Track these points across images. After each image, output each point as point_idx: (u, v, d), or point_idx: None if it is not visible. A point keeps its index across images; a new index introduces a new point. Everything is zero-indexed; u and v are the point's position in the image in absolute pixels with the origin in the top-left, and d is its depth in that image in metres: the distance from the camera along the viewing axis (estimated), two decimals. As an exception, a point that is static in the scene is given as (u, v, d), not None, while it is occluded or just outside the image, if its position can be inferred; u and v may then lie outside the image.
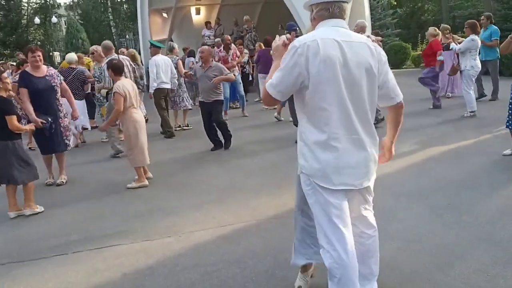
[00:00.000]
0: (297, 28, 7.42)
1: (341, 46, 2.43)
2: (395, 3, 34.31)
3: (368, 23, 17.86)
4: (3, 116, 4.86)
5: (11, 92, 5.72)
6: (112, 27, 38.11)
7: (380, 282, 3.14)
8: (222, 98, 7.66)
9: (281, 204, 4.80)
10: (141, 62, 11.13)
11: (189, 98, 10.04)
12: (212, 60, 7.64)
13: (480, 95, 9.92)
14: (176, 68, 9.43)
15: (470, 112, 8.54)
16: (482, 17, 10.02)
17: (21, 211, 5.12)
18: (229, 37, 11.31)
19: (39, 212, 5.15)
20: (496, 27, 9.72)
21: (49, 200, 5.61)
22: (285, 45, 2.65)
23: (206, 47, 8.06)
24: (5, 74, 5.11)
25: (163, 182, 6.00)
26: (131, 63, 8.53)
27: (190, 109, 9.92)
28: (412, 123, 8.40)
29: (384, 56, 2.58)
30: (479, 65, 8.59)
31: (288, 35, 2.86)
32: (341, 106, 2.46)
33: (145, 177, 5.87)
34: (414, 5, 34.32)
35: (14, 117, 4.92)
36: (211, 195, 5.33)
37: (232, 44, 11.41)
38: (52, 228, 4.71)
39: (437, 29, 10.04)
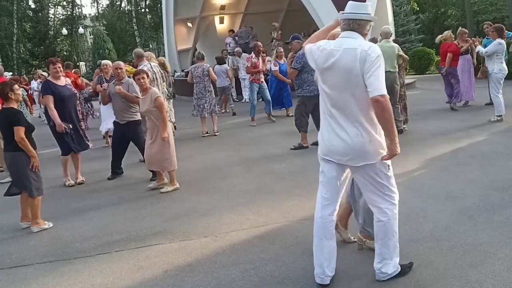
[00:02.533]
0: (301, 40, 7.56)
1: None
2: (418, 8, 34.20)
3: (392, 29, 17.94)
4: (13, 127, 4.83)
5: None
6: (136, 37, 38.84)
7: (415, 279, 3.27)
8: (136, 118, 6.74)
9: (312, 206, 4.85)
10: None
11: (216, 104, 10.28)
12: (125, 76, 6.80)
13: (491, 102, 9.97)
14: (208, 75, 9.87)
15: (497, 116, 8.55)
16: (485, 25, 10.03)
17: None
18: (261, 44, 11.52)
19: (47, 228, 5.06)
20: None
21: (88, 202, 5.86)
22: None
23: (121, 62, 7.19)
24: (16, 86, 5.09)
25: (195, 186, 6.18)
26: (161, 70, 8.79)
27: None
28: (439, 126, 8.48)
29: (371, 57, 2.93)
30: (506, 68, 8.61)
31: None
32: None
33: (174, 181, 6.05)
34: (437, 10, 34.19)
35: (22, 129, 4.85)
36: (242, 198, 5.49)
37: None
38: (94, 229, 4.93)
39: (448, 33, 10.24)
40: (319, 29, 13.87)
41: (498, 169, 5.67)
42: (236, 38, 17.19)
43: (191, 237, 4.46)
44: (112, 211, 5.51)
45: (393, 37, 14.28)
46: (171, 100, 10.87)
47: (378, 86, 2.91)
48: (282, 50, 11.49)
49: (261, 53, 11.24)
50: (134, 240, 4.50)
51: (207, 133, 9.95)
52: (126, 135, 6.83)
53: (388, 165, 3.16)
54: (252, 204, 5.22)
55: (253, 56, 10.83)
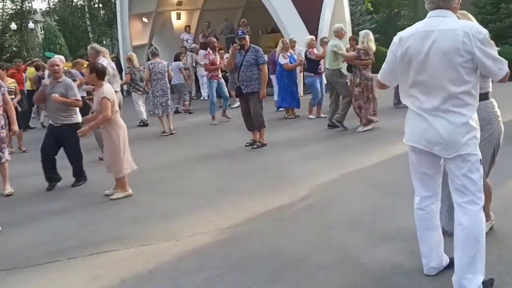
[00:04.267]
0: (246, 36, 7.39)
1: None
2: (372, 9, 34.84)
3: (349, 28, 18.10)
4: None
5: None
6: (89, 33, 37.59)
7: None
8: (74, 121, 6.15)
9: (277, 206, 4.78)
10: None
11: (172, 103, 10.03)
12: (62, 75, 6.18)
13: None
14: (167, 72, 9.67)
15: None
16: None
17: None
18: (215, 40, 11.25)
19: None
20: None
21: (38, 207, 5.48)
22: None
23: (57, 59, 6.45)
24: None
25: (153, 187, 5.91)
26: (115, 67, 8.45)
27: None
28: (399, 123, 8.50)
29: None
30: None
31: None
32: None
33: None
34: (390, 11, 34.93)
35: None
36: (204, 199, 5.26)
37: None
38: (43, 236, 4.57)
39: None
40: (277, 26, 13.96)
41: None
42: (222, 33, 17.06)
43: (150, 242, 4.19)
44: (65, 216, 5.15)
45: (349, 34, 14.51)
46: (144, 96, 10.58)
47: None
48: (287, 41, 10.92)
49: (218, 49, 11.00)
50: (88, 247, 4.18)
51: (164, 132, 9.65)
52: (59, 139, 6.10)
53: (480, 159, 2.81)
54: (215, 205, 5.00)
55: (210, 52, 10.59)
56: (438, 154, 2.80)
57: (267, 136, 7.80)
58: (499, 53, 2.71)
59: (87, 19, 37.89)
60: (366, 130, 8.13)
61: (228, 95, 10.85)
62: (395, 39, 2.92)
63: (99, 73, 5.58)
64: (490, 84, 3.31)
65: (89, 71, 5.71)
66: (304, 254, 3.67)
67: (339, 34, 9.03)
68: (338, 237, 3.96)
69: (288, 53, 10.56)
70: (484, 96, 3.19)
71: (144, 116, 10.73)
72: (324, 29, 15.32)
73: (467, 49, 2.58)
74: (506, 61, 2.70)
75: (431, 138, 2.77)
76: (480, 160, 2.75)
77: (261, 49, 7.63)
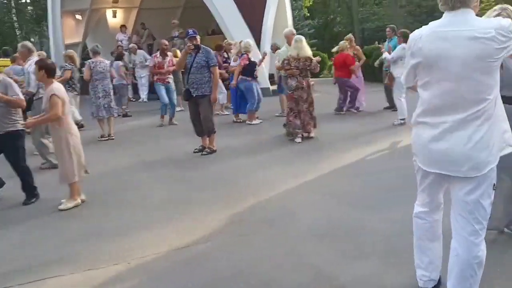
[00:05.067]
0: (197, 36, 6.98)
1: None
2: (308, 14, 35.44)
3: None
4: None
5: None
6: (16, 29, 35.23)
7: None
8: (18, 128, 5.36)
9: (238, 220, 4.44)
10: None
11: (115, 106, 9.40)
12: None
13: (391, 106, 10.40)
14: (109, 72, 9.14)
15: (400, 119, 8.76)
16: (388, 29, 10.38)
17: None
18: (166, 42, 10.68)
19: None
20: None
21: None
22: None
23: None
24: None
25: (99, 200, 5.35)
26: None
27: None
28: (347, 130, 8.45)
29: None
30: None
31: None
32: None
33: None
34: (326, 17, 35.64)
35: None
36: (156, 212, 4.80)
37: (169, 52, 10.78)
38: (-31, 259, 3.94)
39: (345, 43, 10.38)
40: (218, 28, 13.67)
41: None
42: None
43: (98, 265, 3.69)
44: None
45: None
46: (78, 97, 9.83)
47: None
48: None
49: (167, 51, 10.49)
50: (25, 272, 3.62)
51: (103, 136, 9.00)
52: (2, 150, 5.41)
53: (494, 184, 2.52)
54: (169, 220, 4.56)
55: (158, 55, 10.04)
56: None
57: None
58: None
59: (13, 15, 35.54)
60: (300, 142, 7.74)
61: (175, 102, 10.43)
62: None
63: (49, 70, 5.11)
64: None
65: (38, 68, 5.12)
66: (275, 274, 3.36)
67: (288, 39, 8.86)
68: (308, 253, 3.68)
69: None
70: None
71: (78, 116, 9.88)
72: (267, 32, 15.19)
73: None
74: None
75: None
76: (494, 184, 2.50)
77: (212, 51, 7.25)
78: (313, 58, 7.92)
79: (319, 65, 7.99)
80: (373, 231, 3.98)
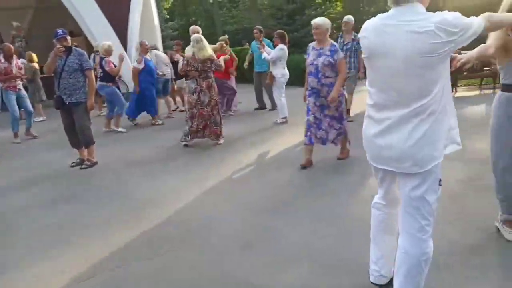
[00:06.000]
0: (67, 36, 6.27)
1: None
2: (168, 16, 34.91)
3: (158, 33, 17.51)
4: None
5: None
6: None
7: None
8: None
9: (146, 239, 3.93)
10: None
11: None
12: None
13: (261, 107, 10.67)
14: None
15: (282, 118, 8.87)
16: (255, 31, 10.52)
17: None
18: (12, 46, 9.35)
19: None
20: (268, 40, 10.18)
21: None
22: None
23: None
24: None
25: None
26: None
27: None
28: (237, 131, 8.27)
29: None
30: (288, 73, 8.99)
31: None
32: None
33: None
34: (188, 19, 35.44)
35: None
36: (43, 240, 4.05)
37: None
38: None
39: (220, 44, 10.19)
40: (77, 29, 12.62)
41: (315, 171, 5.64)
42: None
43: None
44: None
45: (159, 39, 13.95)
46: None
47: None
48: (147, 42, 9.65)
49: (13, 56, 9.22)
50: None
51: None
52: None
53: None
54: (63, 249, 3.86)
55: (2, 60, 8.80)
56: None
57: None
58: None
59: None
60: (188, 146, 7.41)
61: (32, 109, 9.23)
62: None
63: None
64: None
65: None
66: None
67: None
68: (231, 266, 3.37)
69: (148, 57, 9.56)
70: None
71: None
72: (134, 33, 14.45)
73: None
74: None
75: None
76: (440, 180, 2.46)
77: (85, 53, 6.49)
78: (215, 57, 7.46)
79: (222, 64, 7.56)
80: (292, 236, 3.81)
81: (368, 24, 2.43)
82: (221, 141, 7.45)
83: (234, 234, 3.95)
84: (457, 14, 2.24)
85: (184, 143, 7.38)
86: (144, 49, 9.42)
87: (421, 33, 2.19)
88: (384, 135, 2.41)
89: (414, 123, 2.31)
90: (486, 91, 11.22)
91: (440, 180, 2.43)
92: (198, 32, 8.12)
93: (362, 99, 7.68)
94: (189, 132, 7.30)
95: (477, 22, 2.28)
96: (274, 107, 10.09)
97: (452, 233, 3.57)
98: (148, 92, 9.43)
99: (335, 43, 5.59)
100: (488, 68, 11.65)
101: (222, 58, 7.91)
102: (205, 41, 7.25)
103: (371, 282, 2.85)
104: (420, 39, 2.19)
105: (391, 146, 2.38)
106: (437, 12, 2.25)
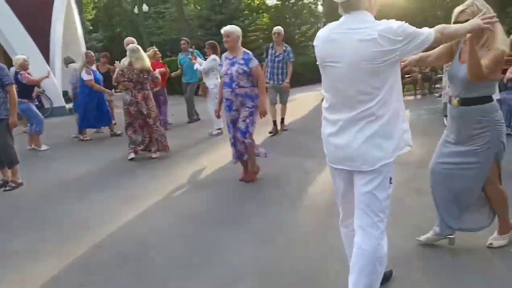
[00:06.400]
0: None
1: None
2: (91, 27, 33.88)
3: (82, 44, 16.87)
4: None
5: None
6: None
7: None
8: None
9: (84, 263, 3.68)
10: None
11: None
12: None
13: (195, 119, 10.68)
14: None
15: (217, 129, 8.80)
16: (183, 42, 10.45)
17: None
18: None
19: None
20: (198, 51, 10.05)
21: None
22: None
23: None
24: None
25: None
26: None
27: None
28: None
29: None
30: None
31: None
32: None
33: None
34: (112, 30, 34.53)
35: None
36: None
37: None
38: None
39: (152, 51, 9.95)
40: None
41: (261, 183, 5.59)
42: None
43: None
44: None
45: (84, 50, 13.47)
46: None
47: None
48: (92, 54, 9.23)
49: None
50: None
51: None
52: None
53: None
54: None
55: None
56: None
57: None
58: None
59: None
60: (132, 159, 7.12)
61: None
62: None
63: None
64: None
65: None
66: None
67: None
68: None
69: (95, 67, 9.20)
70: None
71: None
72: (56, 44, 13.81)
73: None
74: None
75: None
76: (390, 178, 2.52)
77: (5, 67, 6.05)
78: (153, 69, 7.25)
79: (158, 76, 7.35)
80: (237, 250, 3.73)
81: (319, 33, 2.52)
82: (156, 154, 7.19)
83: (175, 254, 3.76)
84: (402, 23, 2.30)
85: (130, 157, 7.08)
86: (90, 60, 9.07)
87: (366, 41, 2.27)
88: (337, 136, 2.50)
89: (360, 125, 2.41)
90: (408, 97, 11.85)
91: (391, 179, 2.51)
92: (133, 43, 7.85)
93: (295, 108, 7.65)
94: (132, 143, 7.08)
95: (427, 33, 2.36)
96: (191, 119, 10.30)
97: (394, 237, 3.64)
98: (95, 103, 9.11)
99: (248, 52, 5.37)
100: (409, 75, 12.36)
101: (157, 70, 7.74)
102: (142, 51, 7.09)
103: None
104: (364, 46, 2.28)
105: (343, 146, 2.48)
106: (383, 20, 2.31)
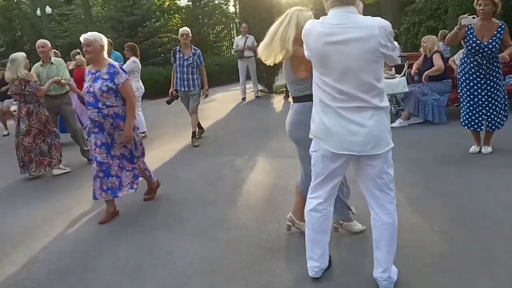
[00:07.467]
0: None
1: None
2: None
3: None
4: None
5: None
6: None
7: None
8: None
9: (13, 283, 3.47)
10: None
11: None
12: None
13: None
14: None
15: (141, 133, 8.56)
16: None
17: None
18: None
19: None
20: (118, 53, 9.80)
21: None
22: None
23: None
24: None
25: None
26: None
27: None
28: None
29: None
30: (142, 86, 8.76)
31: None
32: None
33: None
34: (14, 33, 32.42)
35: None
36: None
37: None
38: None
39: (81, 57, 9.49)
40: None
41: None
42: None
43: None
44: None
45: None
46: None
47: None
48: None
49: None
50: None
51: None
52: None
53: None
54: None
55: None
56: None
57: None
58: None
59: None
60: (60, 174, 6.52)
61: None
62: None
63: None
64: None
65: None
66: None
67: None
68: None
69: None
70: None
71: None
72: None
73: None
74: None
75: None
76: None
77: None
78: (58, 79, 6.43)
79: (41, 87, 6.21)
80: (181, 252, 3.72)
81: (313, 28, 2.62)
82: (57, 171, 6.48)
83: (116, 262, 3.66)
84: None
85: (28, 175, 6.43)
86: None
87: (369, 34, 2.47)
88: (350, 122, 2.60)
89: (370, 112, 2.57)
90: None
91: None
92: (44, 46, 6.80)
93: (216, 109, 7.63)
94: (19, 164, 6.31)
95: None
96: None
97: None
98: None
99: (114, 64, 4.39)
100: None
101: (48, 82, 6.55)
102: (21, 60, 6.04)
103: (312, 277, 3.01)
104: (368, 38, 2.48)
105: (356, 133, 2.58)
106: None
